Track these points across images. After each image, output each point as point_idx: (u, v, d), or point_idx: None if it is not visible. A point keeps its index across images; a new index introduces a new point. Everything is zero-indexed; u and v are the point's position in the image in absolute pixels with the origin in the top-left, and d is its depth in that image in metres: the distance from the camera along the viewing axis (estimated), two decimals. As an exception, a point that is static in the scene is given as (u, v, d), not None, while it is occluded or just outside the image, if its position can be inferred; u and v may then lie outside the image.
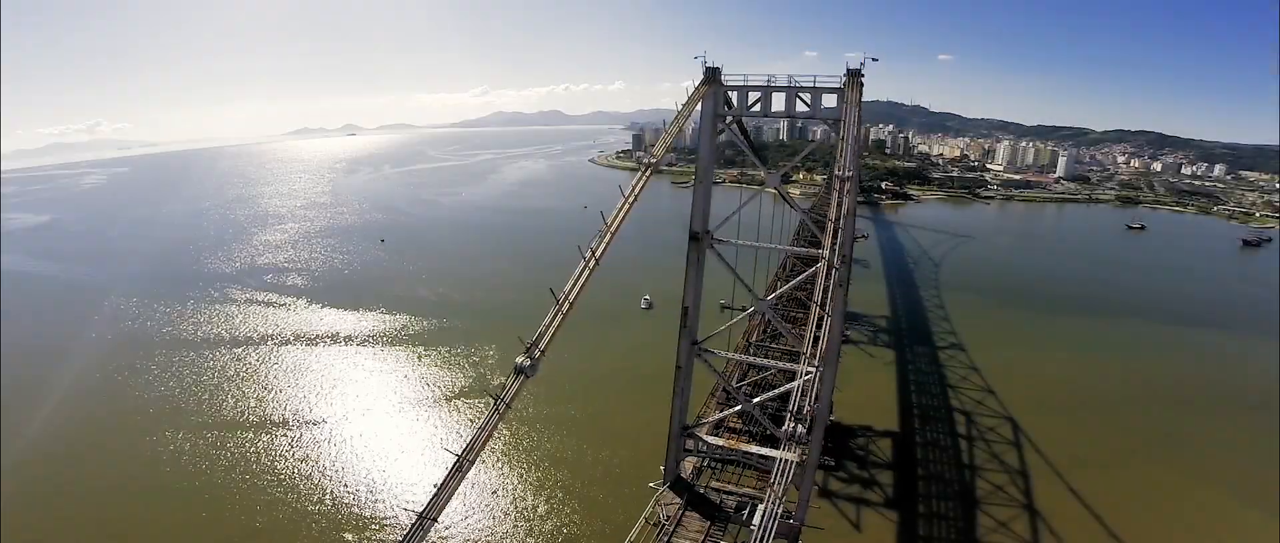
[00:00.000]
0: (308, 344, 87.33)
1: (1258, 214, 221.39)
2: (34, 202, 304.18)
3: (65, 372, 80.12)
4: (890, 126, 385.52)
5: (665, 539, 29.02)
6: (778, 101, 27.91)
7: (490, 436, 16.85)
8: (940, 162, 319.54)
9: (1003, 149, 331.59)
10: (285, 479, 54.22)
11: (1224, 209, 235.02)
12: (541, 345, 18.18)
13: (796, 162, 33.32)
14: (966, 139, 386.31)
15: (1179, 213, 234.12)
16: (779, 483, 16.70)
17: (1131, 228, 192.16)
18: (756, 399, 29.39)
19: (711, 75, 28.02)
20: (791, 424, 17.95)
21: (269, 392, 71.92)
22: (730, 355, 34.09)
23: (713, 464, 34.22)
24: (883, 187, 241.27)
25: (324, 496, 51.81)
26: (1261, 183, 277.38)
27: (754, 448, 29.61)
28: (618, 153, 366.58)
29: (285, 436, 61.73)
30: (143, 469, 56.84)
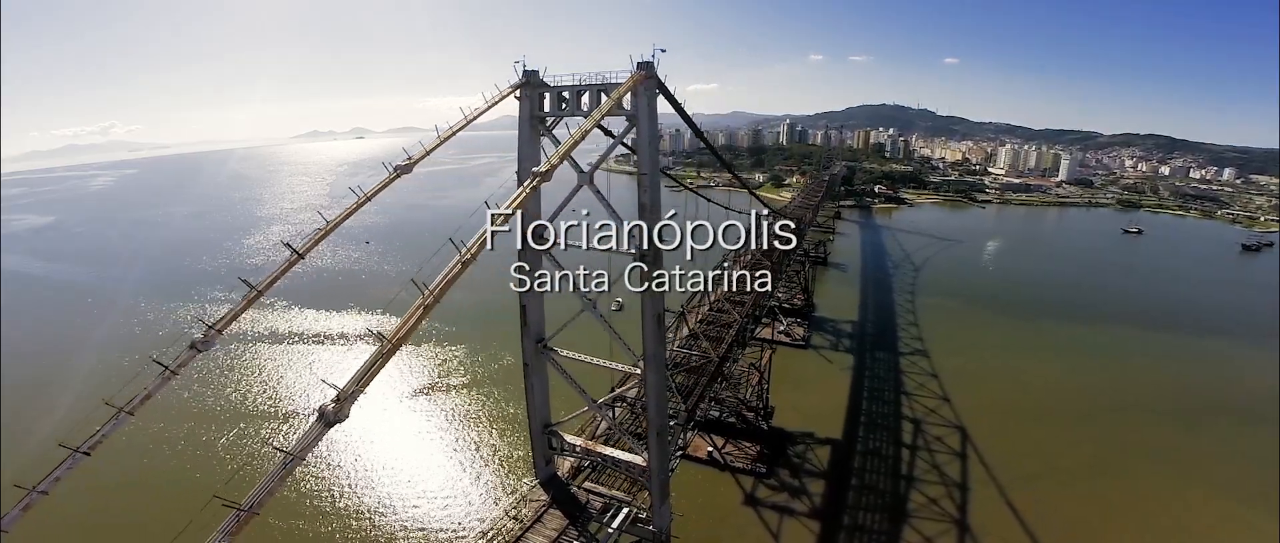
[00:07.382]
0: (294, 343, 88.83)
1: (1261, 218, 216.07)
2: (39, 203, 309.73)
3: (65, 371, 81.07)
4: (891, 131, 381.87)
5: (521, 532, 28.00)
6: (588, 102, 26.87)
7: (151, 396, 19.28)
8: (941, 165, 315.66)
9: (1005, 153, 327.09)
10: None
11: (1228, 213, 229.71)
12: (217, 327, 20.08)
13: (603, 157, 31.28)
14: (970, 142, 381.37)
15: (1181, 217, 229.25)
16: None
17: (1128, 231, 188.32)
18: (601, 400, 28.26)
19: (527, 78, 27.55)
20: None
21: (256, 388, 73.61)
22: (576, 357, 32.77)
23: (591, 465, 32.98)
24: (876, 190, 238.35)
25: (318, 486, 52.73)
26: (1272, 187, 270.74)
27: (607, 449, 28.40)
28: (616, 157, 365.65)
29: (276, 429, 63.54)
30: (143, 467, 56.96)
